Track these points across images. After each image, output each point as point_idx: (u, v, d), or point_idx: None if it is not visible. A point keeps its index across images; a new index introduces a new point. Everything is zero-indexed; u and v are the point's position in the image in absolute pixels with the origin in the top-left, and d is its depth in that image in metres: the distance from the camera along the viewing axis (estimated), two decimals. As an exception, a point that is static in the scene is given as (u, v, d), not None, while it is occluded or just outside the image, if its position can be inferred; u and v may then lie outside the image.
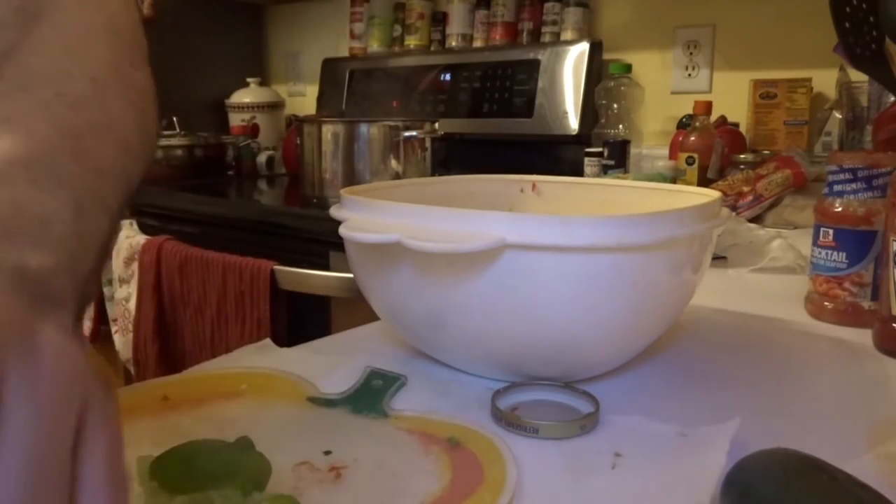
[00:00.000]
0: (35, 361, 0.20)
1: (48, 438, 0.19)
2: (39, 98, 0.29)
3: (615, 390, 0.48)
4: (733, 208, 1.07)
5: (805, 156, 1.13)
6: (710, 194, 0.55)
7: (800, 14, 1.42)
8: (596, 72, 1.62)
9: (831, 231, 0.63)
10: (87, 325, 1.63)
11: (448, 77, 1.81)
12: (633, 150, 1.39)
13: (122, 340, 1.51)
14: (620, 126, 1.50)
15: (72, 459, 0.20)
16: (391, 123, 1.45)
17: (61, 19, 0.32)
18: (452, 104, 1.79)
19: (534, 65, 1.66)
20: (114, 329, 1.55)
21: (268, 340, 0.55)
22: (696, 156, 1.22)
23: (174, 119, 1.89)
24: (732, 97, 1.49)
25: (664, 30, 1.60)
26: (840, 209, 0.62)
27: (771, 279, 0.80)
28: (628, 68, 1.53)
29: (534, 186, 0.68)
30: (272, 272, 1.22)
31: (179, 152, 1.84)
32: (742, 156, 1.22)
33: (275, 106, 2.15)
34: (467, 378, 0.50)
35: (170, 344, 1.38)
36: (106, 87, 0.32)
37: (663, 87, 1.61)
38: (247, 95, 2.13)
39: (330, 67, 2.06)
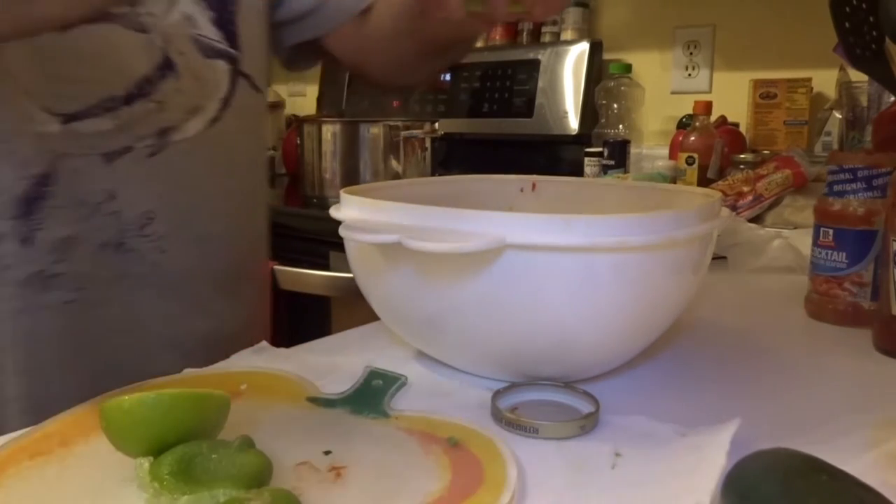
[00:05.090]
0: None
1: None
2: None
3: (615, 390, 0.48)
4: (733, 208, 1.07)
5: (805, 156, 1.13)
6: (710, 194, 0.55)
7: (800, 14, 1.42)
8: (596, 72, 1.62)
9: (831, 231, 0.63)
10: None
11: (448, 77, 1.81)
12: (633, 150, 1.39)
13: (122, 340, 1.51)
14: (620, 126, 1.50)
15: None
16: (391, 123, 1.45)
17: None
18: (452, 104, 1.79)
19: (534, 65, 1.66)
20: (114, 329, 1.55)
21: (264, 343, 0.55)
22: (696, 156, 1.22)
23: (174, 119, 1.89)
24: (732, 97, 1.49)
25: (664, 30, 1.60)
26: (840, 209, 0.62)
27: (771, 279, 0.80)
28: (628, 68, 1.53)
29: (534, 186, 0.68)
30: (272, 272, 1.22)
31: (179, 152, 1.84)
32: (742, 156, 1.22)
33: (275, 106, 2.14)
34: (467, 378, 0.50)
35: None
36: None
37: (663, 87, 1.61)
38: (247, 95, 2.13)
39: (330, 67, 2.06)
